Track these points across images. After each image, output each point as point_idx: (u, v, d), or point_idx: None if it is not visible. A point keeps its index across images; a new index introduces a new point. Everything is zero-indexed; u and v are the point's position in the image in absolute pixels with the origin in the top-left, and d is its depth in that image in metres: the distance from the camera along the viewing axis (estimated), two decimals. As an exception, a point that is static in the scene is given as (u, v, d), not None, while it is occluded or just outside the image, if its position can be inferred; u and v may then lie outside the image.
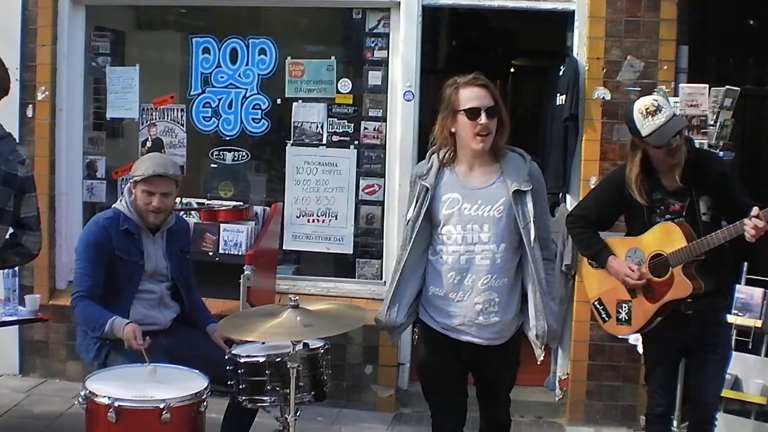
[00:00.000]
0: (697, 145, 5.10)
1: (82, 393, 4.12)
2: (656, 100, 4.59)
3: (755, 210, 4.34)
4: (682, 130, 4.61)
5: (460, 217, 4.10)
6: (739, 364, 5.73)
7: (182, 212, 6.15)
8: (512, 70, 11.59)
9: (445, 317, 4.17)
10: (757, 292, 5.99)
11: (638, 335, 5.24)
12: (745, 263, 6.10)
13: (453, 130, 4.12)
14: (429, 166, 4.19)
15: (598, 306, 5.01)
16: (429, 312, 4.24)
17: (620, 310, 4.88)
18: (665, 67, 6.39)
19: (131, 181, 5.00)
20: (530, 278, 4.12)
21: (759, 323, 5.92)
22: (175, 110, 7.18)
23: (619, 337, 5.12)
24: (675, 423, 5.82)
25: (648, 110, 4.52)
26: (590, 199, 5.11)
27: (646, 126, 4.53)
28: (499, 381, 4.36)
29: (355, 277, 7.05)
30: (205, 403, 4.21)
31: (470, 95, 4.07)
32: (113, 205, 5.13)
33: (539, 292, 4.12)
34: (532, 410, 6.74)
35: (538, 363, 4.24)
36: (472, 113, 4.05)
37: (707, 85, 5.93)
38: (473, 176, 4.14)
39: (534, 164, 4.23)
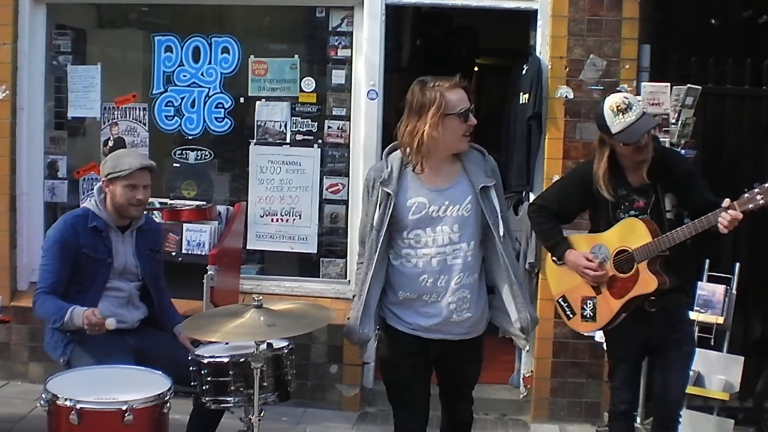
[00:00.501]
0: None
1: (44, 395, 4.08)
2: (627, 98, 4.59)
3: (727, 201, 4.38)
4: (652, 128, 4.63)
5: (428, 219, 4.09)
6: (701, 360, 5.77)
7: (144, 212, 6.10)
8: (476, 68, 11.61)
9: (417, 318, 4.15)
10: (719, 288, 6.04)
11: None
12: (707, 260, 6.16)
13: (426, 130, 4.04)
14: (389, 171, 4.13)
15: (562, 303, 5.00)
16: (397, 314, 4.20)
17: (585, 306, 4.90)
18: (627, 66, 6.43)
19: (106, 179, 4.95)
20: (503, 272, 4.14)
21: (721, 320, 5.97)
22: (138, 109, 7.13)
23: (585, 334, 5.13)
24: (638, 419, 5.86)
25: (619, 108, 4.53)
26: (553, 191, 5.12)
27: (616, 123, 4.54)
28: (465, 376, 4.37)
29: (319, 277, 7.04)
30: (168, 404, 4.18)
31: (460, 97, 4.08)
32: (83, 204, 5.15)
33: (516, 285, 4.14)
34: (496, 408, 6.77)
35: (525, 351, 4.26)
36: (465, 115, 4.07)
37: (669, 84, 5.98)
38: (437, 177, 4.13)
39: (492, 159, 4.26)
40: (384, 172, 4.14)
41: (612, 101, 4.59)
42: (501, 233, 4.09)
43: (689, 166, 4.82)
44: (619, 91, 4.82)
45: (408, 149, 4.12)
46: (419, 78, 4.20)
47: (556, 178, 6.34)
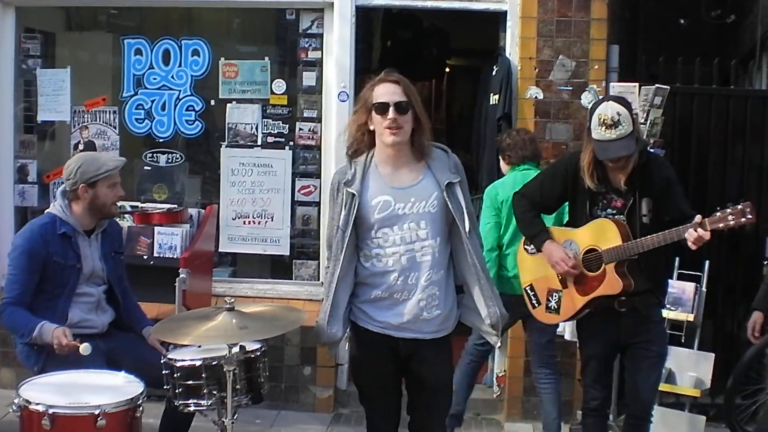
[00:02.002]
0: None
1: (16, 401, 4.04)
2: (619, 114, 4.50)
3: (698, 218, 4.40)
4: (630, 155, 4.56)
5: (394, 217, 4.08)
6: (672, 357, 5.82)
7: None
8: (447, 70, 11.64)
9: (388, 317, 4.14)
10: (689, 286, 6.10)
11: (566, 324, 5.31)
12: (677, 258, 6.21)
13: (371, 127, 4.12)
14: (353, 172, 4.14)
15: (529, 291, 5.06)
16: (368, 313, 4.19)
17: (550, 298, 4.94)
18: (596, 67, 6.48)
19: (86, 183, 4.90)
20: (471, 268, 4.13)
21: (691, 317, 6.02)
22: (108, 112, 7.10)
23: (545, 323, 5.18)
24: (611, 417, 5.89)
25: (605, 121, 4.50)
26: (537, 181, 5.12)
27: (596, 132, 4.54)
28: (435, 379, 4.31)
29: (292, 279, 7.05)
30: (141, 408, 4.15)
31: (382, 91, 4.08)
32: (47, 210, 5.06)
33: (484, 280, 4.15)
34: (470, 407, 6.74)
35: (497, 348, 4.25)
36: (381, 108, 4.05)
37: (637, 84, 6.03)
38: (400, 176, 4.13)
39: (455, 156, 4.25)
40: (348, 173, 4.16)
41: (603, 111, 4.54)
42: (467, 229, 4.09)
43: (671, 174, 4.80)
44: (619, 99, 4.72)
45: (357, 148, 4.19)
46: None
47: (527, 178, 6.39)
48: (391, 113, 4.03)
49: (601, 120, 4.53)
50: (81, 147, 7.07)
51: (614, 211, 4.72)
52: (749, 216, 4.36)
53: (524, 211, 5.00)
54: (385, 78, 4.13)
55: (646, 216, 4.67)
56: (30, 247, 4.83)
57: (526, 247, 5.09)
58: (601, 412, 5.01)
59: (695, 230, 4.37)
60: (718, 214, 4.40)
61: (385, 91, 4.08)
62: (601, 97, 5.41)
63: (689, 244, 4.41)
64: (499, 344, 4.23)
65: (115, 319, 5.12)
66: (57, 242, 4.87)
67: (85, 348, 4.49)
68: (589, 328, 4.91)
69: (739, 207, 4.37)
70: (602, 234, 4.69)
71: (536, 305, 5.04)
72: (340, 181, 4.17)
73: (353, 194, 4.09)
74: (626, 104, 4.65)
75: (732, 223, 4.37)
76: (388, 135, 4.06)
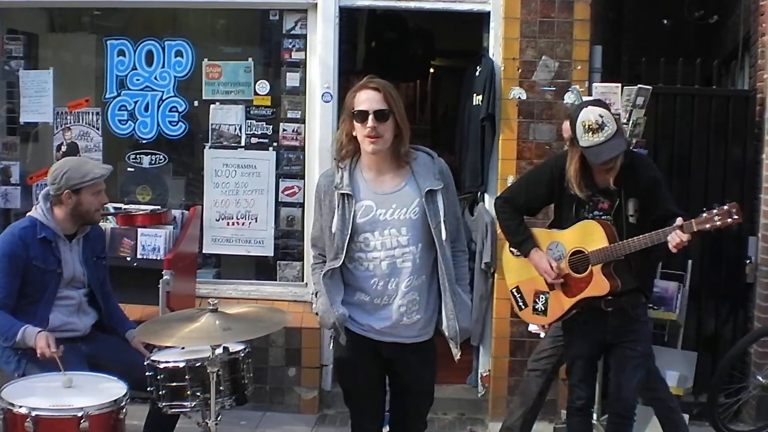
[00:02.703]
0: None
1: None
2: (602, 117, 4.55)
3: (679, 220, 4.43)
4: (617, 154, 4.60)
5: (376, 223, 4.08)
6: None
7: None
8: (432, 70, 11.65)
9: (369, 320, 4.15)
10: (672, 285, 6.12)
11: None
12: (660, 258, 6.25)
13: (354, 133, 4.10)
14: (340, 176, 4.13)
15: (515, 293, 5.08)
16: (352, 317, 4.18)
17: (537, 300, 4.96)
18: (579, 67, 6.50)
19: (70, 189, 4.88)
20: (441, 277, 4.14)
21: (674, 316, 6.05)
22: (91, 114, 7.08)
23: (532, 325, 5.20)
24: (595, 416, 5.91)
25: (590, 127, 4.53)
26: (521, 184, 5.14)
27: (584, 139, 4.56)
28: (419, 384, 4.31)
29: (276, 280, 7.04)
30: (124, 410, 4.16)
31: (362, 98, 4.05)
32: (28, 214, 5.03)
33: (449, 292, 4.12)
34: (455, 407, 6.81)
35: (456, 360, 4.24)
36: (361, 116, 4.03)
37: (620, 84, 6.03)
38: (383, 181, 4.13)
39: (441, 161, 4.22)
40: (336, 176, 4.15)
41: (586, 117, 4.57)
42: (442, 238, 4.08)
43: (657, 174, 4.83)
44: (597, 102, 4.75)
45: (345, 152, 4.17)
46: None
47: (510, 178, 6.41)
48: (370, 122, 4.01)
49: (586, 126, 4.54)
50: (64, 148, 7.06)
51: (601, 213, 4.75)
52: (735, 217, 4.38)
53: (508, 218, 5.01)
54: (366, 84, 4.10)
55: (632, 216, 4.70)
56: (10, 251, 4.80)
57: (511, 249, 5.10)
58: (586, 411, 5.04)
59: (675, 234, 4.40)
60: (705, 215, 4.42)
61: (366, 99, 4.05)
62: (579, 103, 5.41)
63: (670, 247, 4.44)
64: (458, 356, 4.20)
65: (98, 322, 5.11)
66: (37, 246, 4.85)
67: (59, 351, 4.50)
68: (575, 328, 4.93)
69: (725, 208, 4.40)
70: (588, 235, 4.71)
71: (523, 307, 5.05)
72: (327, 184, 4.16)
73: (348, 194, 4.08)
74: (605, 105, 4.69)
75: (718, 223, 4.40)
76: (368, 144, 4.05)
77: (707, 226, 4.41)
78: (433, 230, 4.07)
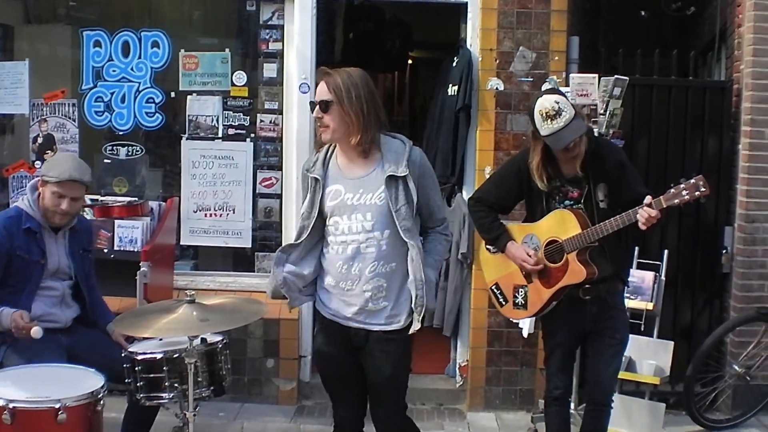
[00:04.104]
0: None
1: (-24, 396, 4.02)
2: (557, 103, 4.56)
3: (648, 198, 4.45)
4: (581, 136, 4.63)
5: (344, 207, 4.12)
6: (632, 346, 5.85)
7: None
8: (410, 62, 11.65)
9: (337, 305, 4.19)
10: (648, 275, 6.15)
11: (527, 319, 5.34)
12: (636, 247, 6.27)
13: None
14: (315, 159, 4.24)
15: (495, 290, 5.09)
16: (323, 300, 4.25)
17: (517, 294, 4.97)
18: (556, 58, 6.52)
19: (40, 179, 4.90)
20: (409, 262, 4.13)
21: (651, 306, 6.08)
22: (67, 105, 7.04)
23: (515, 321, 5.20)
24: (572, 405, 5.94)
25: (548, 113, 4.53)
26: (491, 183, 5.16)
27: (544, 128, 4.57)
28: (377, 374, 4.26)
29: (254, 271, 7.02)
30: (102, 402, 4.15)
31: (317, 90, 4.15)
32: (15, 203, 5.04)
33: (415, 266, 4.11)
34: (433, 398, 6.82)
35: (410, 332, 4.20)
36: (311, 107, 4.15)
37: (596, 75, 6.06)
38: (354, 167, 4.16)
39: (416, 149, 4.22)
40: (311, 160, 4.28)
41: (542, 106, 4.58)
42: (401, 224, 4.08)
43: (622, 157, 4.86)
44: (552, 91, 4.80)
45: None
46: None
47: (488, 169, 6.43)
48: (315, 112, 4.12)
49: (544, 115, 4.56)
50: (40, 140, 7.02)
51: (572, 202, 4.77)
52: (703, 189, 4.40)
53: (482, 217, 5.02)
54: (320, 76, 4.18)
55: (603, 201, 4.73)
56: None
57: (488, 247, 5.11)
58: (563, 401, 5.06)
59: (643, 210, 4.42)
60: (672, 190, 4.45)
61: (318, 90, 4.15)
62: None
63: (640, 225, 4.46)
64: (417, 328, 4.19)
65: (79, 316, 5.09)
66: (21, 237, 4.84)
67: (36, 332, 4.46)
68: (554, 319, 4.94)
69: (692, 181, 4.42)
70: (561, 224, 4.73)
71: (503, 303, 5.06)
72: (305, 167, 4.28)
73: (317, 179, 4.17)
74: (559, 92, 4.73)
75: (687, 197, 4.41)
76: (321, 133, 4.15)
77: (676, 201, 4.42)
78: (395, 214, 4.07)
